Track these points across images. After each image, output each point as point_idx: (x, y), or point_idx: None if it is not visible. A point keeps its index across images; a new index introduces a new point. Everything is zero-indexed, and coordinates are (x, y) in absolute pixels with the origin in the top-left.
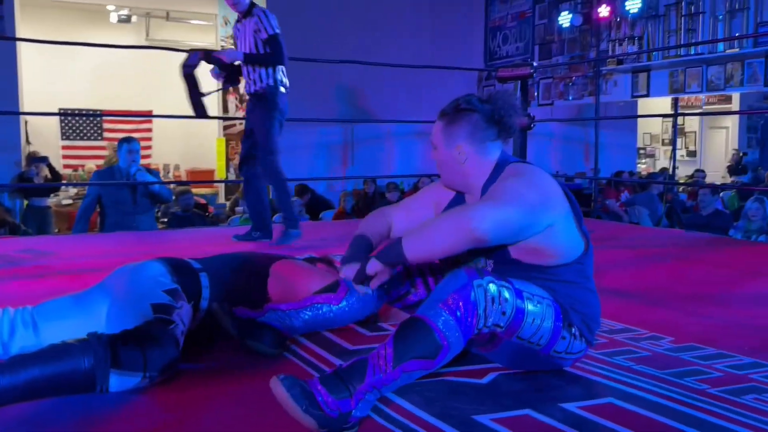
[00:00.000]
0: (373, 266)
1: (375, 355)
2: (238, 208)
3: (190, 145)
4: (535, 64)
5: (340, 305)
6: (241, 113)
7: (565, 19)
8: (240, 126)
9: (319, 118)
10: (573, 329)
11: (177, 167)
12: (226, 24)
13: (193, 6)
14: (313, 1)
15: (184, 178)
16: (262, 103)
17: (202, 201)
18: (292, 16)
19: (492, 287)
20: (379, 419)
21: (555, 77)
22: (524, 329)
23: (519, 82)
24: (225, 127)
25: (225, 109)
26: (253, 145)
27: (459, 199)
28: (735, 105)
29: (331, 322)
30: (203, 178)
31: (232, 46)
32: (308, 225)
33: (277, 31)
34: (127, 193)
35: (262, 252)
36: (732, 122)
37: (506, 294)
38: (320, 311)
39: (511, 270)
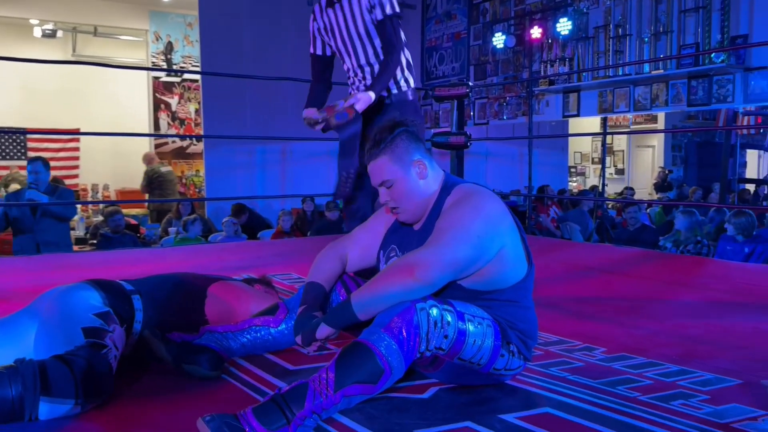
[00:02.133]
0: (323, 331)
1: (316, 379)
2: (171, 229)
3: (120, 164)
4: (471, 84)
5: (279, 328)
6: (173, 131)
7: (498, 40)
8: (173, 144)
9: (257, 135)
10: (511, 347)
11: (106, 187)
12: (157, 40)
13: (123, 21)
14: (249, 17)
15: (113, 198)
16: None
17: (133, 222)
18: (227, 30)
19: (434, 311)
20: None
21: (490, 97)
22: (465, 351)
23: (455, 101)
24: (157, 146)
25: (156, 127)
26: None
27: (401, 227)
28: (660, 124)
29: (270, 345)
30: (134, 198)
31: (164, 64)
32: (246, 245)
33: (396, 10)
34: (27, 214)
35: (198, 273)
36: (658, 141)
37: (448, 317)
38: (259, 334)
39: (452, 292)
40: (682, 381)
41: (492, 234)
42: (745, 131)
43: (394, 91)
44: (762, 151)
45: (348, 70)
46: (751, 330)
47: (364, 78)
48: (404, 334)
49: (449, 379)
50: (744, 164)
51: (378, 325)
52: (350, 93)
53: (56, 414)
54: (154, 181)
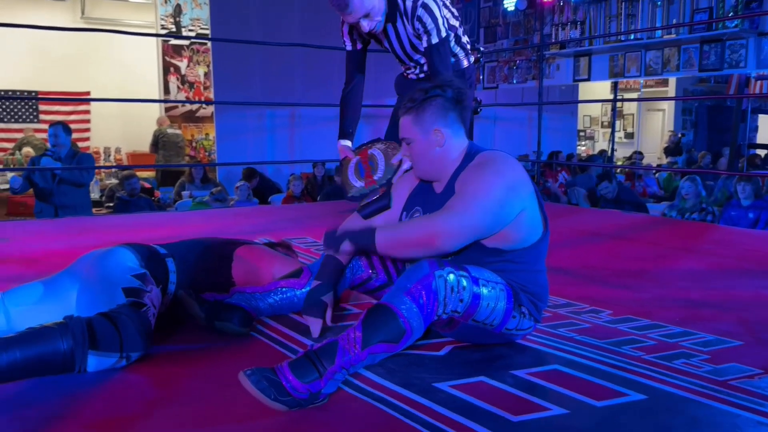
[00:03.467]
0: (346, 246)
1: (344, 338)
2: (185, 192)
3: (131, 127)
4: (482, 48)
5: (303, 290)
6: (183, 94)
7: (510, 2)
8: (183, 108)
9: (266, 101)
10: (522, 308)
11: (118, 150)
12: (166, 2)
13: None
14: None
15: (125, 161)
16: None
17: (147, 185)
18: None
19: (451, 277)
20: (347, 389)
21: (500, 61)
22: (479, 313)
23: None
24: (167, 109)
25: (166, 90)
26: None
27: (425, 188)
28: (671, 88)
29: (295, 305)
30: (146, 161)
31: (173, 27)
32: (259, 209)
33: (442, 36)
34: (47, 178)
35: (224, 237)
36: (668, 105)
37: (464, 282)
38: (285, 295)
39: (469, 252)
40: (684, 342)
41: (512, 198)
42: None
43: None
44: None
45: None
46: (752, 294)
47: (421, 69)
48: (424, 298)
49: (463, 338)
50: (755, 129)
51: (400, 289)
52: (405, 74)
53: (103, 366)
54: (159, 142)
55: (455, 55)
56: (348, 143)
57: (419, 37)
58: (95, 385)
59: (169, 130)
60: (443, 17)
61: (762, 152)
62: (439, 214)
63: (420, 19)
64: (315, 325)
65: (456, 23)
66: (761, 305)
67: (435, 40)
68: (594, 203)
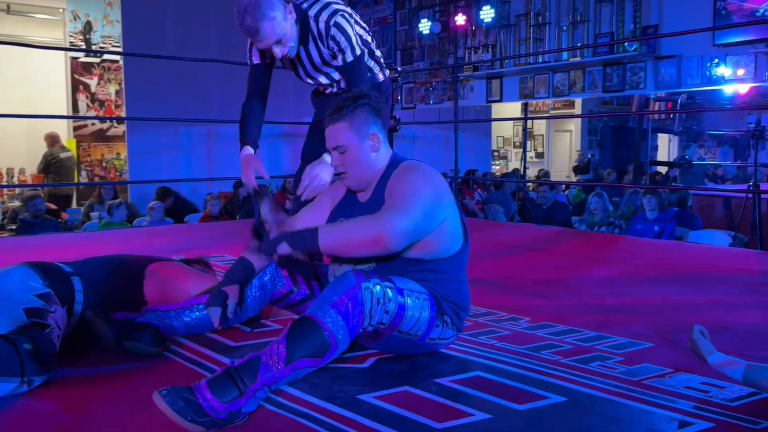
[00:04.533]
0: (284, 248)
1: (267, 353)
2: (94, 214)
3: (36, 146)
4: (399, 69)
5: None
6: (93, 112)
7: (425, 26)
8: (93, 126)
9: (181, 117)
10: (445, 317)
11: (22, 171)
12: (75, 19)
13: None
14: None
15: (29, 182)
16: None
17: (53, 207)
18: (150, 9)
19: (377, 288)
20: (268, 406)
21: (417, 82)
22: (404, 324)
23: None
24: (75, 128)
25: (75, 108)
26: None
27: (350, 199)
28: (577, 109)
29: (213, 324)
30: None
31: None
32: (175, 228)
33: (357, 54)
34: None
35: (136, 254)
36: (575, 126)
37: (389, 293)
38: (203, 313)
39: (391, 262)
40: (599, 345)
41: (438, 204)
42: (656, 116)
43: None
44: (671, 135)
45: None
46: (661, 300)
47: (338, 85)
48: (350, 310)
49: (388, 350)
50: (655, 148)
51: (325, 301)
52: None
53: (2, 393)
54: (51, 166)
55: (370, 69)
56: (251, 151)
57: (334, 56)
58: None
59: (62, 154)
60: (356, 34)
61: (662, 169)
62: (384, 214)
63: (334, 39)
64: (214, 314)
65: (368, 38)
66: (669, 309)
67: (350, 57)
68: (511, 218)
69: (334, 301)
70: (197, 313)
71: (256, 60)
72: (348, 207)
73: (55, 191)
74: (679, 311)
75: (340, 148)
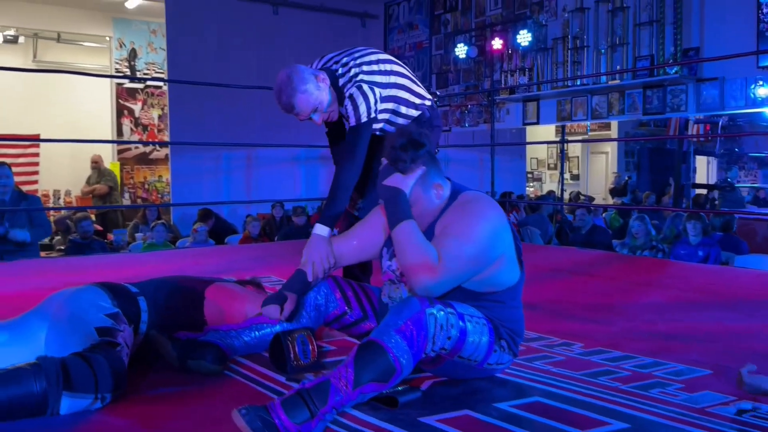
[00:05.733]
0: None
1: (336, 376)
2: (138, 234)
3: (81, 169)
4: (438, 93)
5: (279, 326)
6: (136, 136)
7: (461, 50)
8: (136, 150)
9: (222, 141)
10: (502, 342)
11: (68, 192)
12: (121, 47)
13: (86, 28)
14: (215, 25)
15: (75, 203)
16: None
17: (99, 228)
18: (193, 37)
19: (441, 315)
20: (334, 427)
21: (452, 105)
22: (465, 349)
23: None
24: (119, 151)
25: (120, 132)
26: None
27: None
28: (614, 131)
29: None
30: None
31: (127, 71)
32: (219, 249)
33: (362, 121)
34: None
35: (194, 276)
36: (611, 148)
37: (452, 320)
38: (261, 332)
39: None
40: (657, 372)
41: (495, 242)
42: (695, 138)
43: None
44: (710, 158)
45: None
46: (714, 326)
47: None
48: (414, 335)
49: (445, 374)
50: (694, 170)
51: (390, 326)
52: None
53: (77, 408)
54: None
55: (417, 108)
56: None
57: (347, 119)
58: (69, 428)
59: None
60: (373, 102)
61: (702, 191)
62: (425, 270)
63: (351, 97)
64: (273, 311)
65: (405, 81)
66: (725, 336)
67: (353, 122)
68: (548, 241)
69: (399, 326)
70: (256, 333)
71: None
72: None
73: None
74: (735, 338)
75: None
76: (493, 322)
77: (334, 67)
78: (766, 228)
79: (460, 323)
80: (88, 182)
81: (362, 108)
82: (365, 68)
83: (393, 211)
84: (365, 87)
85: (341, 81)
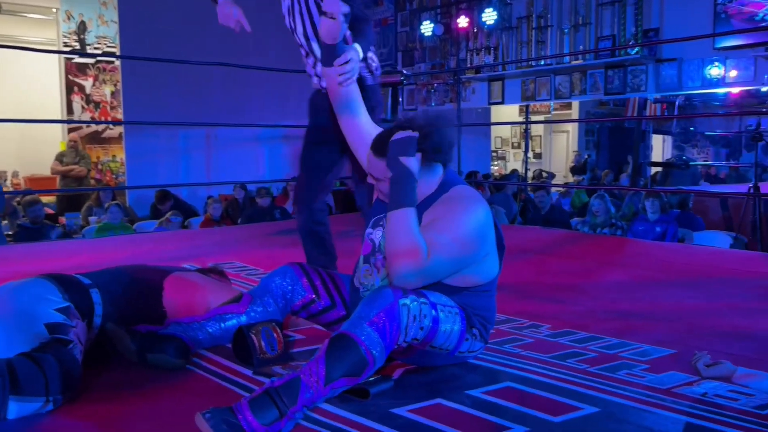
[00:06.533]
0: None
1: (306, 372)
2: (92, 218)
3: (29, 149)
4: (406, 72)
5: (244, 316)
6: (88, 114)
7: (427, 28)
8: (88, 129)
9: (181, 121)
10: (473, 330)
11: (15, 174)
12: (69, 19)
13: None
14: (171, 1)
15: (23, 186)
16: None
17: (50, 211)
18: (147, 10)
19: (414, 305)
20: (304, 423)
21: (418, 84)
22: (437, 339)
23: (390, 88)
24: (69, 130)
25: (70, 110)
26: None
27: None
28: (575, 111)
29: None
30: (46, 185)
31: (76, 45)
32: (176, 234)
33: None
34: None
35: (152, 265)
36: (572, 127)
37: (425, 310)
38: (225, 323)
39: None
40: (623, 353)
41: (481, 242)
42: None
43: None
44: (665, 136)
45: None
46: (675, 305)
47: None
48: (387, 327)
49: (416, 362)
50: (650, 148)
51: (363, 318)
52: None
53: (26, 412)
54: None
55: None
56: None
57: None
58: None
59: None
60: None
61: (658, 169)
62: (409, 257)
63: None
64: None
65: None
66: (686, 314)
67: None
68: (512, 221)
69: (371, 317)
70: (222, 324)
71: None
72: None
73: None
74: (697, 316)
75: (376, 178)
76: (466, 311)
77: None
78: (718, 205)
79: (433, 313)
80: (61, 161)
81: None
82: None
83: (399, 192)
84: None
85: None
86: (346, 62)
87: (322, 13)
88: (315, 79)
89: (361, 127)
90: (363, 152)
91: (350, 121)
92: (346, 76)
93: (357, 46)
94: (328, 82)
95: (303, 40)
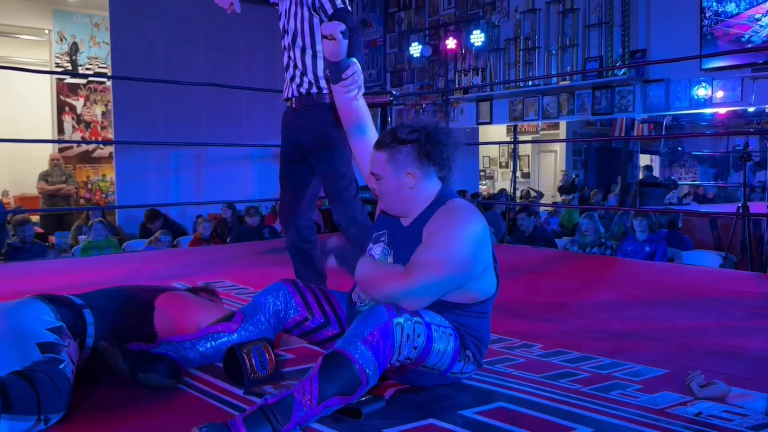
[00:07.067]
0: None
1: (300, 391)
2: (82, 237)
3: (18, 169)
4: (395, 92)
5: (236, 334)
6: (79, 134)
7: (415, 49)
8: (79, 148)
9: (170, 140)
10: (467, 352)
11: (6, 193)
12: (61, 40)
13: (23, 20)
14: (162, 18)
15: (13, 205)
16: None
17: (40, 230)
18: (139, 32)
19: (408, 324)
20: None
21: (407, 104)
22: (430, 359)
23: (379, 109)
24: (60, 150)
25: (61, 130)
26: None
27: (390, 219)
28: (563, 131)
29: None
30: (36, 205)
31: (68, 65)
32: (165, 253)
33: (339, 5)
34: None
35: (144, 285)
36: (560, 147)
37: (419, 329)
38: (216, 342)
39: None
40: (616, 372)
41: (479, 257)
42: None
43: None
44: (654, 156)
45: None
46: (666, 324)
47: (302, 73)
48: (380, 345)
49: (409, 382)
50: (638, 168)
51: (357, 336)
52: (287, 100)
53: (18, 431)
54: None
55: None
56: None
57: (316, 10)
58: None
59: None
60: None
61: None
62: (408, 277)
63: None
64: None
65: None
66: (678, 334)
67: (339, 4)
68: (501, 240)
69: (365, 336)
70: (212, 343)
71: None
72: (392, 227)
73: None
74: (688, 336)
75: (377, 175)
76: (460, 332)
77: None
78: (707, 224)
79: (426, 332)
80: (47, 180)
81: None
82: None
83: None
84: None
85: None
86: (353, 74)
87: (323, 37)
88: (286, 92)
89: (368, 141)
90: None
91: (361, 142)
92: (354, 87)
93: (355, 60)
94: (338, 100)
95: (290, 42)
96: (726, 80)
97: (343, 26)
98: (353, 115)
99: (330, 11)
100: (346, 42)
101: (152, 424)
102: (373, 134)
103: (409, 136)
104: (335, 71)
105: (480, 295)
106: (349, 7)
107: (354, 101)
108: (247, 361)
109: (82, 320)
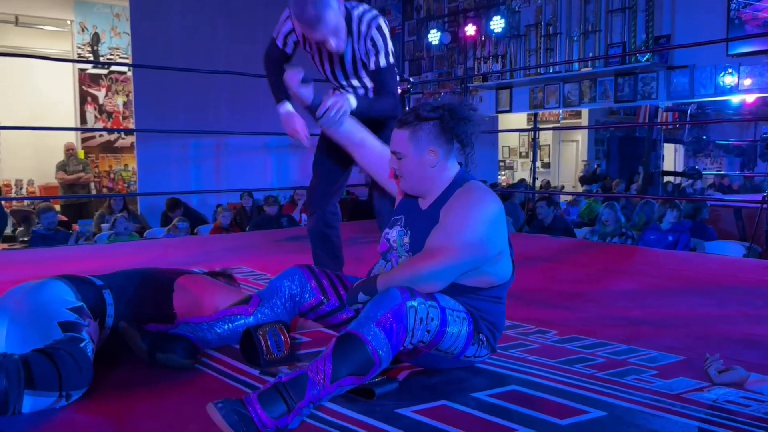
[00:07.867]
0: (362, 298)
1: (314, 370)
2: (105, 225)
3: (43, 158)
4: (412, 80)
5: (253, 317)
6: (101, 124)
7: (434, 37)
8: (101, 138)
9: (190, 128)
10: (480, 336)
11: (31, 182)
12: (83, 31)
13: (46, 11)
14: (181, 8)
15: (38, 194)
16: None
17: (64, 218)
18: (158, 21)
19: (421, 308)
20: (309, 421)
21: (425, 93)
22: (443, 343)
23: None
24: (83, 139)
25: (83, 120)
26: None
27: (408, 204)
28: (584, 119)
29: None
30: (59, 193)
31: (90, 56)
32: (189, 240)
33: (391, 61)
34: None
35: (164, 267)
36: (582, 136)
37: (432, 313)
38: (233, 324)
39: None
40: (631, 359)
41: (496, 239)
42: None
43: None
44: (677, 145)
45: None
46: (686, 312)
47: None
48: (393, 327)
49: (422, 365)
50: (662, 157)
51: (370, 318)
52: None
53: (40, 407)
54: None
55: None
56: (290, 108)
57: (368, 58)
58: (32, 428)
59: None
60: (391, 47)
61: (670, 178)
62: (423, 260)
63: (372, 39)
64: (295, 73)
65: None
66: (697, 322)
67: (383, 63)
68: (520, 229)
69: (378, 318)
70: (230, 325)
71: (280, 44)
72: (409, 211)
73: (69, 202)
74: (707, 324)
75: (398, 154)
76: (474, 316)
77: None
78: (732, 215)
79: (441, 318)
80: (65, 170)
81: (389, 47)
82: (380, 19)
83: (369, 287)
84: (384, 30)
85: (357, 12)
86: (326, 110)
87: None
88: (343, 83)
89: (371, 150)
90: (383, 173)
91: (359, 151)
92: (330, 123)
93: (331, 92)
94: (324, 131)
95: (343, 80)
96: (754, 66)
97: (302, 74)
98: (345, 138)
99: (372, 68)
100: (310, 87)
101: (170, 403)
102: (372, 141)
103: (432, 113)
104: (310, 112)
105: (495, 279)
106: (393, 62)
107: (341, 128)
108: (262, 342)
109: (102, 300)
